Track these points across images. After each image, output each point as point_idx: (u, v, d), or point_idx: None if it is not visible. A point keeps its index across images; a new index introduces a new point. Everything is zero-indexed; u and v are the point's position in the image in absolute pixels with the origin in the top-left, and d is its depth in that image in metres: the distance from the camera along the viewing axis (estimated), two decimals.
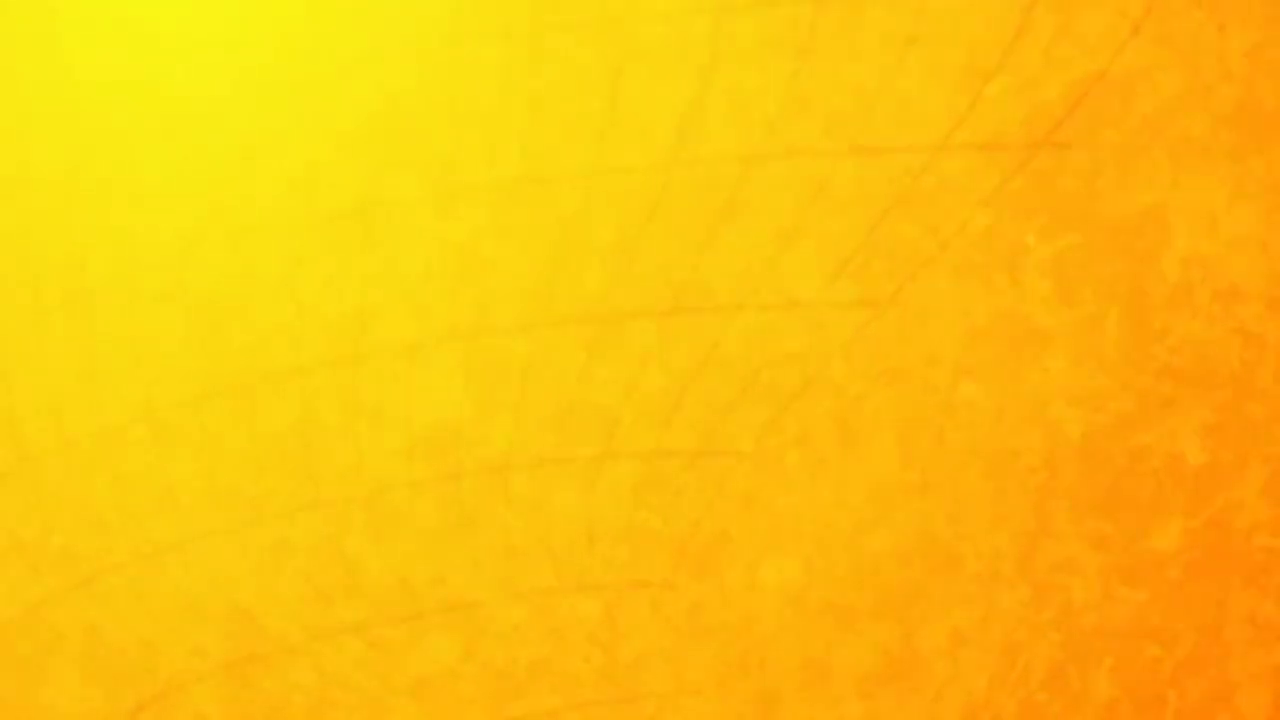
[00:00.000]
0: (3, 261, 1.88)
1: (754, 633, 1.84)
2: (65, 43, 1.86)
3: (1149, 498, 1.86)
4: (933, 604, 1.85)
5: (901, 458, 1.86)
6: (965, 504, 1.86)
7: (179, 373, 1.86)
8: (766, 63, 1.84)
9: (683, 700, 1.85)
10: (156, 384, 1.86)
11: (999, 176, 1.86)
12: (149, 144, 1.85)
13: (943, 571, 1.85)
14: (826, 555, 1.85)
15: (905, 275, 1.86)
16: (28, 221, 1.86)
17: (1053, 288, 1.86)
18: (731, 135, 1.85)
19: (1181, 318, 1.85)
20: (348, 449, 1.85)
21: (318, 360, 1.85)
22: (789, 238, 1.84)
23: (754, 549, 1.85)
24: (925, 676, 1.85)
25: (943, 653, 1.85)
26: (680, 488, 1.84)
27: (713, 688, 1.84)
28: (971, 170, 1.86)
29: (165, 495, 1.88)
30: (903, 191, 1.86)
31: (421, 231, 1.84)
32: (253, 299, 1.84)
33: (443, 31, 1.83)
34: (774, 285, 1.85)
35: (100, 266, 1.86)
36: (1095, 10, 1.85)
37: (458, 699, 1.84)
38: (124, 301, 1.87)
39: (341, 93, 1.83)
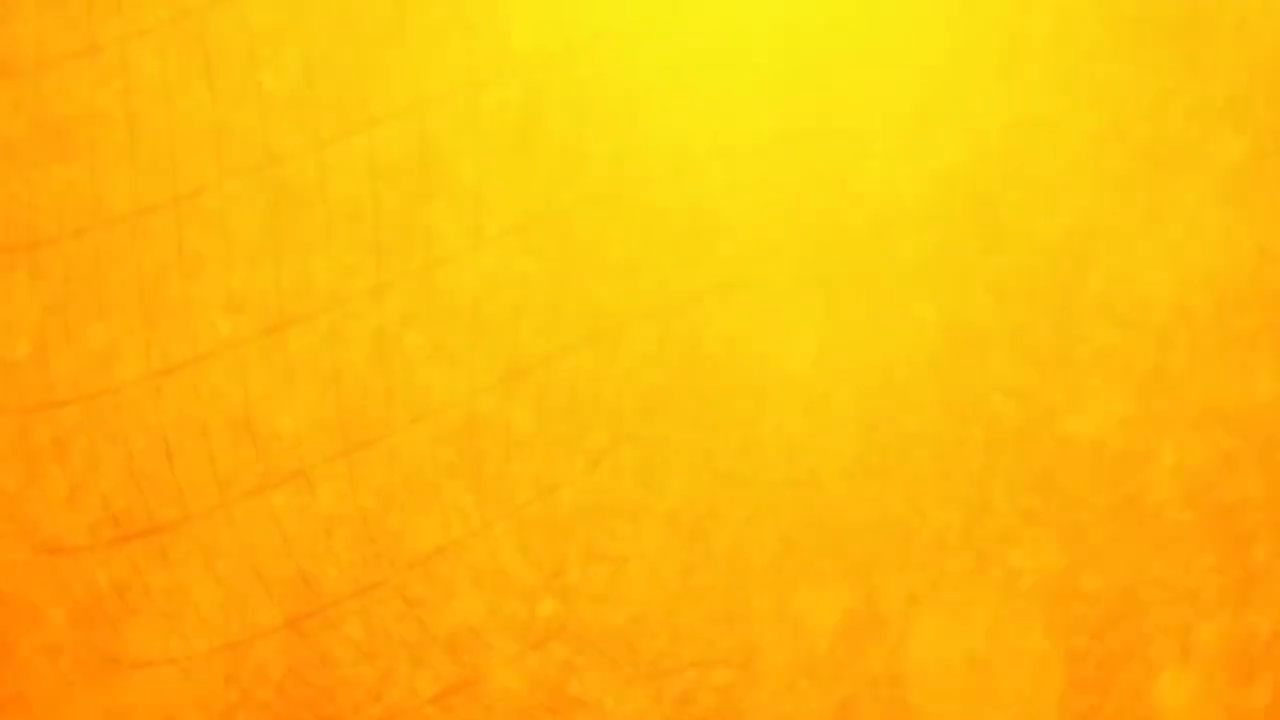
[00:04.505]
0: None
1: (737, 594, 1.89)
2: None
3: (1075, 478, 1.91)
4: (890, 570, 1.90)
5: (863, 443, 1.90)
6: (917, 484, 1.90)
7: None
8: (749, 103, 1.89)
9: (677, 651, 1.88)
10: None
11: (949, 201, 1.90)
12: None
13: (898, 542, 1.90)
14: (800, 527, 1.89)
15: (867, 287, 1.90)
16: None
17: (993, 298, 1.91)
18: (718, 167, 1.90)
19: (1103, 324, 1.90)
20: (389, 436, 1.88)
21: (355, 357, 1.86)
22: (768, 254, 1.89)
23: (738, 522, 1.89)
24: (884, 632, 1.90)
25: (899, 612, 1.90)
26: (674, 468, 1.89)
27: (702, 641, 1.88)
28: (925, 195, 1.90)
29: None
30: (867, 214, 1.90)
31: (449, 252, 1.87)
32: (297, 308, 1.86)
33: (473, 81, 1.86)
34: (757, 295, 1.90)
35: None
36: (1029, 61, 1.90)
37: (482, 647, 1.88)
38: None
39: (384, 132, 1.85)
